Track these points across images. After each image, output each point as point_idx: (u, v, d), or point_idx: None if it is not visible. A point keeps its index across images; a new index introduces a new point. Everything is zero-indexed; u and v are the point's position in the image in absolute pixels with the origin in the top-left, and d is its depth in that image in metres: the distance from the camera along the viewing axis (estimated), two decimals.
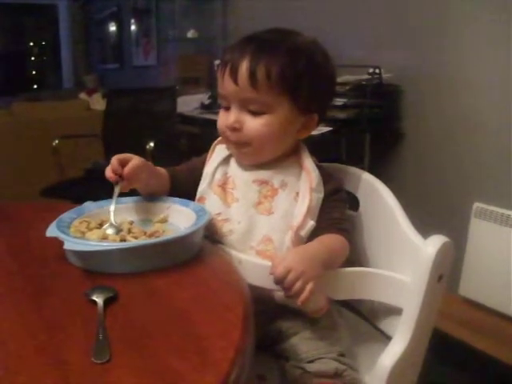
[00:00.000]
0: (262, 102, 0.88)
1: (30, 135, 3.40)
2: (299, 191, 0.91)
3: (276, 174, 0.93)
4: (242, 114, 0.90)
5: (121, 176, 0.89)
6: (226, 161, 0.98)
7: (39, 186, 2.62)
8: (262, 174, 0.94)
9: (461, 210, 2.01)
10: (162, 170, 0.99)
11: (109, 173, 0.90)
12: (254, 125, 0.90)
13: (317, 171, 0.93)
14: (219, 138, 0.99)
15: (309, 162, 0.94)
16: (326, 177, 0.94)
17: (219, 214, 0.92)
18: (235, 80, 0.88)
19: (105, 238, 0.80)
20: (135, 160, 0.90)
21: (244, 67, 0.87)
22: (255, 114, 0.89)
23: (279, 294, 0.84)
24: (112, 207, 0.88)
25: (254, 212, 0.91)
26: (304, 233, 0.89)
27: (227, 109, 0.93)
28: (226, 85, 0.90)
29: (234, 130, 0.91)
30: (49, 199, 2.59)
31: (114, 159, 0.90)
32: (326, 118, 1.00)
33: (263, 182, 0.93)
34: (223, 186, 0.95)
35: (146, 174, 0.92)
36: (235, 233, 0.91)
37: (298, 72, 0.88)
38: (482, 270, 1.92)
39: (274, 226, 0.90)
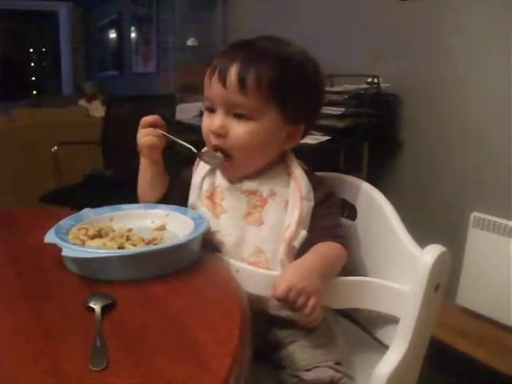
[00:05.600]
0: (249, 107, 0.87)
1: (30, 141, 3.40)
2: (289, 200, 0.90)
3: (264, 183, 0.92)
4: (228, 118, 0.89)
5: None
6: (212, 171, 0.97)
7: (38, 192, 2.62)
8: (250, 185, 0.92)
9: (459, 219, 2.01)
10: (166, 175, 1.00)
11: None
12: (239, 131, 0.88)
13: (306, 178, 0.91)
14: (205, 148, 0.97)
15: (297, 170, 0.92)
16: (316, 183, 0.93)
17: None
18: (224, 83, 0.86)
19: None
20: None
21: (233, 71, 0.86)
22: (241, 118, 0.88)
23: (273, 304, 0.85)
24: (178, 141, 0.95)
25: (244, 223, 0.90)
26: (297, 243, 0.88)
27: (211, 111, 0.91)
28: (213, 87, 0.89)
29: (219, 135, 0.89)
30: (48, 205, 2.59)
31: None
32: (312, 128, 0.99)
33: (252, 193, 0.92)
34: (211, 197, 0.94)
35: (159, 154, 0.97)
36: (226, 245, 0.90)
37: (288, 80, 0.88)
38: (480, 280, 1.92)
39: (265, 237, 0.89)
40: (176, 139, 0.94)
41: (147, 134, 0.95)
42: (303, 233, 0.89)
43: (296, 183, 0.91)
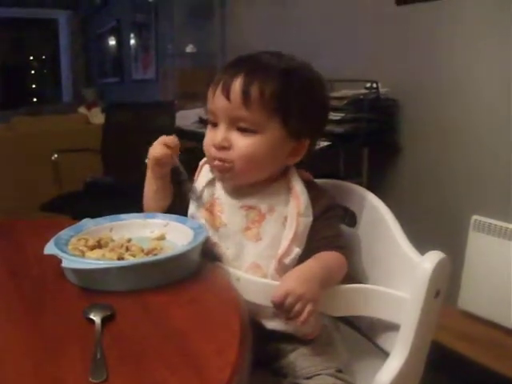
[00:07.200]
0: (252, 120, 0.86)
1: (30, 149, 3.41)
2: (287, 216, 0.89)
3: (263, 199, 0.91)
4: (231, 132, 0.88)
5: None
6: (211, 183, 0.96)
7: (38, 200, 2.62)
8: (249, 200, 0.91)
9: (459, 222, 2.01)
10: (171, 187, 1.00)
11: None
12: (242, 143, 0.87)
13: (305, 194, 0.90)
14: (205, 158, 0.96)
15: (298, 185, 0.91)
16: (316, 195, 0.92)
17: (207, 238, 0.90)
18: (227, 96, 0.86)
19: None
20: None
21: (237, 84, 0.85)
22: (244, 132, 0.87)
23: (270, 312, 0.84)
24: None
25: (242, 238, 0.90)
26: (289, 261, 0.87)
27: (214, 125, 0.91)
28: (216, 101, 0.88)
29: (222, 148, 0.88)
30: (48, 213, 2.59)
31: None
32: (316, 145, 0.98)
33: (250, 208, 0.91)
34: (210, 208, 0.94)
35: (168, 168, 0.96)
36: (224, 258, 0.89)
37: (292, 94, 0.87)
38: (481, 283, 1.92)
39: (262, 253, 0.89)
40: (179, 165, 0.95)
41: (159, 148, 0.95)
42: (296, 250, 0.88)
43: (295, 199, 0.90)
